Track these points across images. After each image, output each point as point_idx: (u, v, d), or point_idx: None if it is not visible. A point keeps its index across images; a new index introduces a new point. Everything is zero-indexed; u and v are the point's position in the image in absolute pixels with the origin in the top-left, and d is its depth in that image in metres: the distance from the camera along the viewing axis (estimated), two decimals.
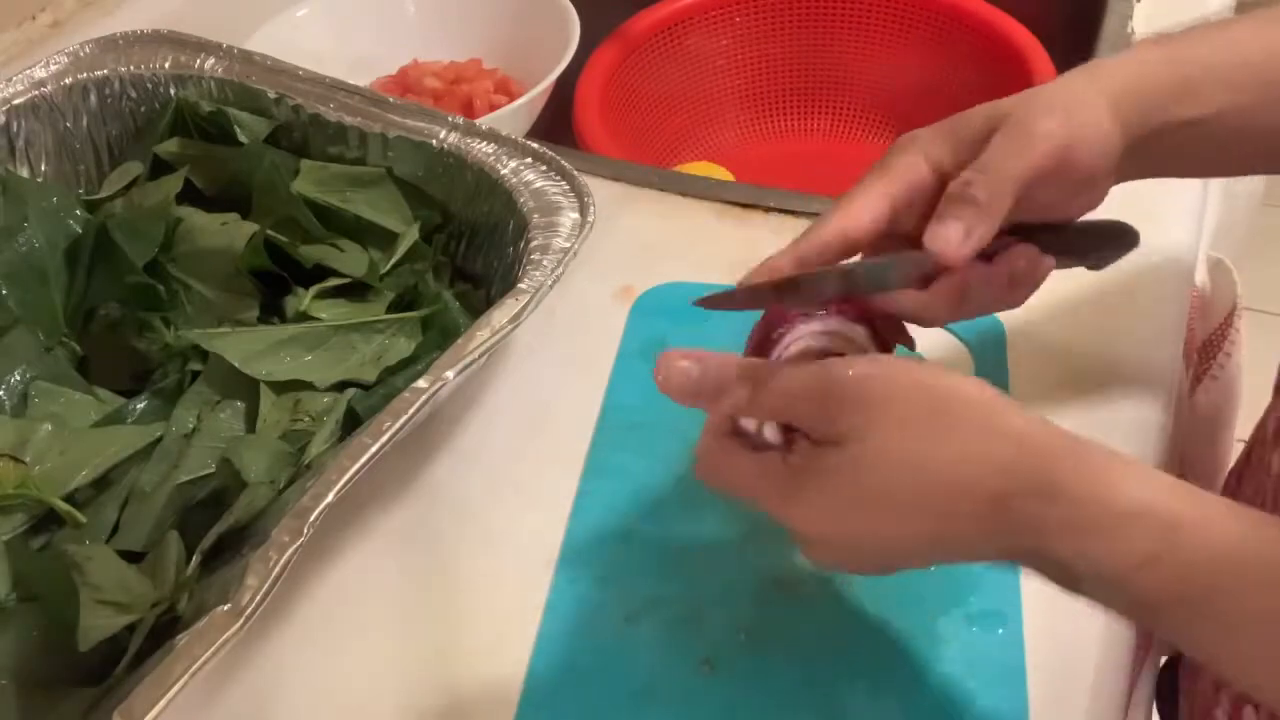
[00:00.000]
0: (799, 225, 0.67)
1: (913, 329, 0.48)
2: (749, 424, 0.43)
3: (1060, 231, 0.58)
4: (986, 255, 0.45)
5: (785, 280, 0.44)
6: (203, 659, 0.39)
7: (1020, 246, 0.46)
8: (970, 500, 0.38)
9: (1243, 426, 0.70)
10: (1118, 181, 0.48)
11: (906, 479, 0.38)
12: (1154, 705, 0.65)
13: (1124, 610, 0.39)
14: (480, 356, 0.50)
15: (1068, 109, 0.45)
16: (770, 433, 0.42)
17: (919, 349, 0.59)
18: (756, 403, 0.41)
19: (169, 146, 0.65)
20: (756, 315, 0.46)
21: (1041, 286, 0.48)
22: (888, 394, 0.39)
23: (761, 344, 0.44)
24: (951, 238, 0.42)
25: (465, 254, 0.62)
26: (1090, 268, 0.54)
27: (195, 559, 0.47)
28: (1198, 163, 0.52)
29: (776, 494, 0.41)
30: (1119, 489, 0.36)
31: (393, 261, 0.60)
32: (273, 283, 0.60)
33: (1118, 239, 0.61)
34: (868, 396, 0.39)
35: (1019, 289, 0.47)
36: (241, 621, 0.40)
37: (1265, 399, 0.58)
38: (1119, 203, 0.67)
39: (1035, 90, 0.46)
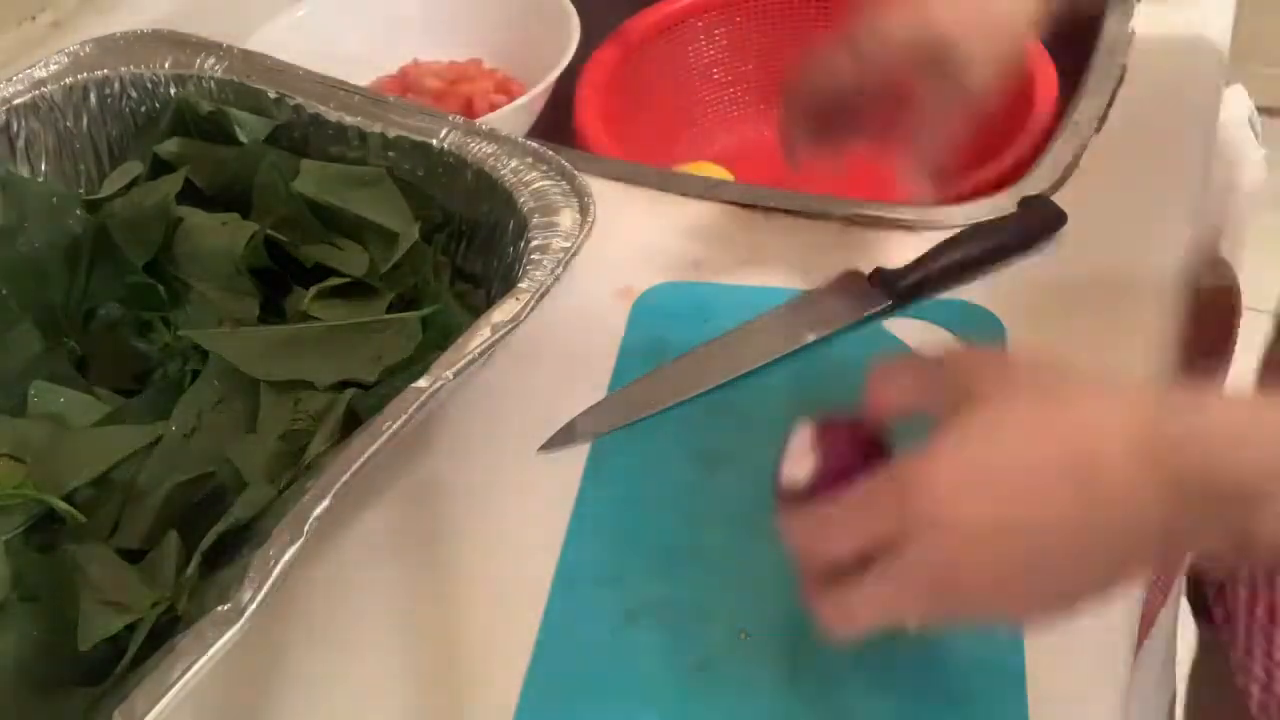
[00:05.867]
0: (799, 225, 0.67)
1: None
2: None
3: (1001, 225, 0.61)
4: None
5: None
6: (203, 659, 0.39)
7: None
8: (1115, 440, 0.36)
9: None
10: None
11: (1040, 436, 0.36)
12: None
13: None
14: (480, 356, 0.50)
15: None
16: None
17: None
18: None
19: (169, 146, 0.65)
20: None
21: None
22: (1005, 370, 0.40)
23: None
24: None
25: (465, 254, 0.62)
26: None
27: (195, 559, 0.47)
28: None
29: (893, 505, 0.38)
30: (1255, 399, 0.36)
31: (393, 261, 0.60)
32: (273, 282, 0.60)
33: (1050, 220, 0.63)
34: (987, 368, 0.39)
35: None
36: (241, 621, 0.40)
37: None
38: (1117, 202, 0.67)
39: None
